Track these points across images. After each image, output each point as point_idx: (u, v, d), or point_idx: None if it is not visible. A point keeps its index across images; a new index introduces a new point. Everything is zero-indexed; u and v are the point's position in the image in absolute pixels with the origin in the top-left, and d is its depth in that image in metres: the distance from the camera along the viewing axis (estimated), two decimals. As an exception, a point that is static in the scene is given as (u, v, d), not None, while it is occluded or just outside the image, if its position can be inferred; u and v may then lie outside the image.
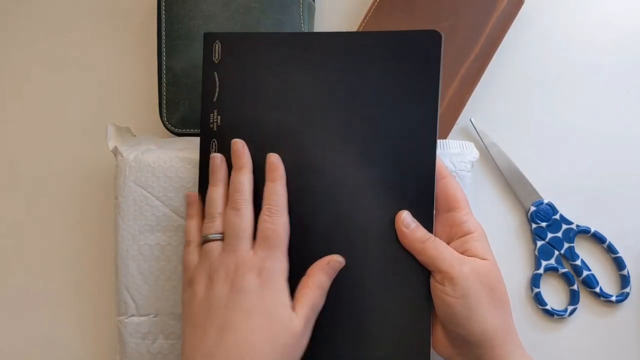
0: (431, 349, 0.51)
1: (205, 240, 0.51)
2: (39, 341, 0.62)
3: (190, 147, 0.59)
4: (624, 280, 0.62)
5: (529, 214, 0.63)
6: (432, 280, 0.50)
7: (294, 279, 0.50)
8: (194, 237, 0.53)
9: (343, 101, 0.52)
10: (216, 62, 0.55)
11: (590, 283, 0.62)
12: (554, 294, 0.63)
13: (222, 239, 0.51)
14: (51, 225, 0.64)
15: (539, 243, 0.62)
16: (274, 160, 0.52)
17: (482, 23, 0.63)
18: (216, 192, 0.53)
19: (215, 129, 0.55)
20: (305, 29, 0.63)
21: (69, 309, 0.63)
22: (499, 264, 0.62)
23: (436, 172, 0.51)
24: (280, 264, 0.50)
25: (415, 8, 0.63)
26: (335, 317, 0.51)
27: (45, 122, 0.66)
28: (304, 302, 0.49)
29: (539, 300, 0.62)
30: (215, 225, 0.52)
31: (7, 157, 0.65)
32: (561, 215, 0.63)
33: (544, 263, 0.62)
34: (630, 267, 0.62)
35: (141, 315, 0.56)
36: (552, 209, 0.63)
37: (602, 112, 0.66)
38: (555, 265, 0.62)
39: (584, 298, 0.62)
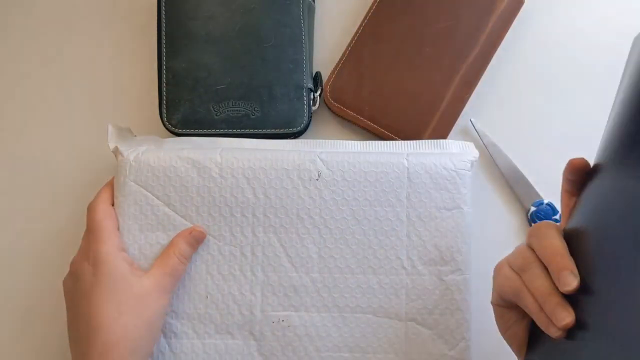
0: None
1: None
2: (39, 341, 0.62)
3: (190, 147, 0.60)
4: (624, 280, 0.62)
5: (529, 214, 0.63)
6: None
7: None
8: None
9: None
10: None
11: (590, 282, 0.61)
12: (554, 293, 0.63)
13: None
14: (51, 224, 0.64)
15: (539, 243, 0.62)
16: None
17: (482, 23, 0.63)
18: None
19: None
20: (305, 30, 0.63)
21: (69, 309, 0.63)
22: (498, 263, 0.62)
23: None
24: (109, 245, 0.54)
25: (414, 9, 0.63)
26: None
27: (45, 122, 0.66)
28: (157, 267, 0.55)
29: (539, 299, 0.62)
30: None
31: (7, 157, 0.65)
32: (561, 216, 0.62)
33: (543, 263, 0.62)
34: (630, 267, 0.62)
35: (141, 315, 0.57)
36: (552, 209, 0.63)
37: (602, 112, 0.66)
38: (555, 264, 0.62)
39: (584, 298, 0.62)
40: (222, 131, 0.61)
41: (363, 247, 0.57)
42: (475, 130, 0.64)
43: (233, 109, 0.61)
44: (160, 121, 0.62)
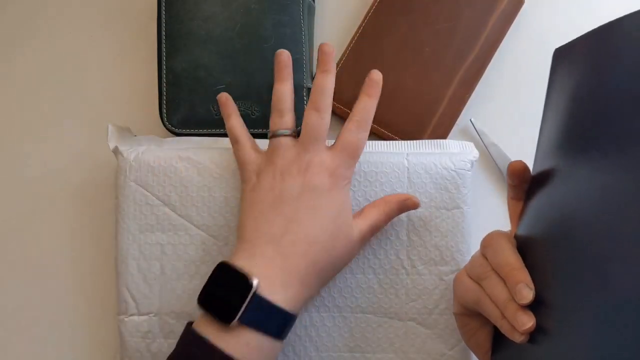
0: None
1: (274, 135, 0.54)
2: (39, 340, 0.62)
3: (190, 146, 0.60)
4: (624, 280, 0.62)
5: (528, 213, 0.63)
6: None
7: None
8: (242, 133, 0.56)
9: None
10: None
11: (590, 282, 0.62)
12: (553, 293, 0.63)
13: (291, 135, 0.55)
14: (51, 224, 0.64)
15: (539, 242, 0.62)
16: (376, 78, 0.56)
17: (482, 23, 0.63)
18: (285, 88, 0.56)
19: None
20: (305, 30, 0.63)
21: (69, 308, 0.63)
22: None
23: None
24: (350, 175, 0.55)
25: (414, 9, 0.63)
26: None
27: (46, 122, 0.66)
28: (366, 219, 0.54)
29: (538, 299, 0.62)
30: (285, 121, 0.55)
31: (7, 157, 0.65)
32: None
33: (543, 262, 0.62)
34: (630, 267, 0.62)
35: (141, 315, 0.57)
36: (552, 208, 0.63)
37: (601, 111, 0.66)
38: (555, 264, 0.62)
39: (584, 297, 0.62)
40: (221, 131, 0.61)
41: (363, 247, 0.57)
42: (475, 130, 0.64)
43: (233, 109, 0.61)
44: (160, 121, 0.62)
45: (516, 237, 0.47)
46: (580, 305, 0.37)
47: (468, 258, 0.57)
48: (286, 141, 0.54)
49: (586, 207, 0.38)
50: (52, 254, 0.63)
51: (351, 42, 0.64)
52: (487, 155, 0.64)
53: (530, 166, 0.64)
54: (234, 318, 0.46)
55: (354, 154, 0.54)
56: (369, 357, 0.57)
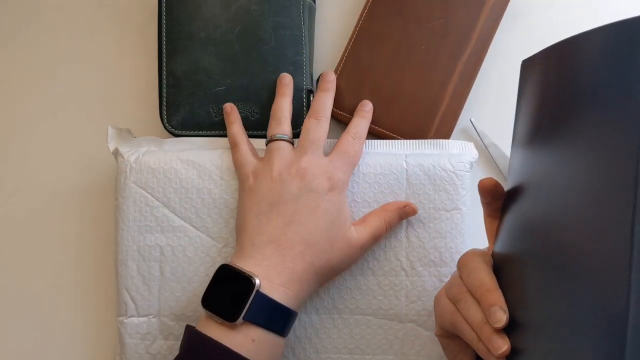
0: None
1: (272, 139, 0.57)
2: (39, 341, 0.62)
3: (190, 148, 0.60)
4: (624, 281, 0.62)
5: (528, 214, 0.63)
6: None
7: None
8: (242, 139, 0.58)
9: None
10: None
11: (590, 283, 0.61)
12: (554, 294, 0.62)
13: (288, 141, 0.57)
14: (51, 226, 0.64)
15: (539, 243, 0.62)
16: (367, 107, 0.61)
17: (474, 16, 0.63)
18: (285, 101, 0.59)
19: None
20: (305, 31, 0.63)
21: (68, 310, 0.63)
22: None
23: None
24: (348, 180, 0.56)
25: (407, 8, 0.63)
26: None
27: (46, 124, 0.66)
28: (367, 226, 0.55)
29: (538, 300, 0.61)
30: (283, 128, 0.57)
31: (7, 158, 0.65)
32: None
33: (543, 263, 0.62)
34: (630, 267, 0.62)
35: (141, 316, 0.57)
36: (552, 209, 0.62)
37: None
38: (555, 265, 0.62)
39: (584, 298, 0.62)
40: (221, 133, 0.61)
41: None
42: (475, 130, 0.64)
43: (233, 110, 0.61)
44: (160, 122, 0.62)
45: (493, 256, 0.47)
46: (552, 322, 0.37)
47: (467, 259, 0.57)
48: (284, 145, 0.56)
49: (552, 219, 0.38)
50: (52, 255, 0.64)
51: (347, 48, 0.64)
52: (487, 156, 0.64)
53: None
54: (239, 316, 0.47)
55: (351, 161, 0.56)
56: (368, 359, 0.57)
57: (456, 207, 0.57)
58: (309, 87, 0.62)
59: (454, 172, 0.58)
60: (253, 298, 0.48)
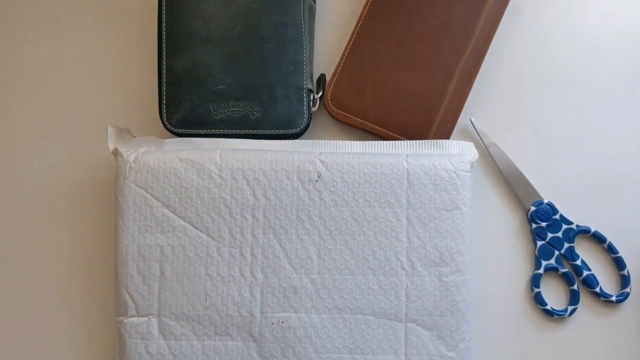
0: None
1: None
2: (39, 341, 0.62)
3: (190, 148, 0.60)
4: (624, 280, 0.62)
5: (529, 214, 0.63)
6: None
7: None
8: None
9: None
10: None
11: (590, 283, 0.62)
12: (554, 294, 0.63)
13: None
14: (51, 225, 0.64)
15: (539, 243, 0.62)
16: None
17: (475, 13, 0.63)
18: None
19: None
20: (305, 30, 0.63)
21: (68, 309, 0.63)
22: (499, 264, 0.62)
23: None
24: None
25: (407, 7, 0.63)
26: None
27: (45, 123, 0.66)
28: None
29: (539, 300, 0.62)
30: None
31: (7, 158, 0.65)
32: (561, 215, 0.63)
33: (544, 263, 0.62)
34: (630, 267, 0.62)
35: (140, 316, 0.57)
36: (552, 209, 0.63)
37: (602, 111, 0.66)
38: (555, 265, 0.62)
39: (584, 298, 0.62)
40: (221, 131, 0.61)
41: (363, 248, 0.57)
42: (475, 130, 0.64)
43: (233, 109, 0.61)
44: (160, 121, 0.62)
45: None
46: None
47: (467, 259, 0.57)
48: None
49: None
50: (51, 255, 0.63)
51: (347, 46, 0.64)
52: (487, 155, 0.64)
53: (532, 169, 0.64)
54: None
55: None
56: (369, 358, 0.57)
57: (457, 207, 0.57)
58: (309, 86, 0.62)
59: (454, 172, 0.57)
60: None
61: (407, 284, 0.57)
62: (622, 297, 0.61)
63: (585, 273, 0.62)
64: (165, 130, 0.61)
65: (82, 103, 0.66)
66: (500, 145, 0.64)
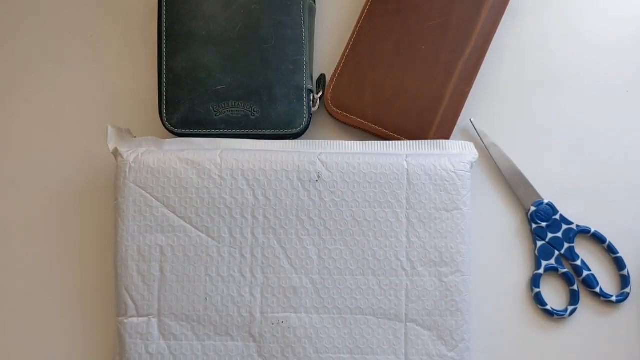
0: None
1: None
2: (39, 341, 0.62)
3: (190, 148, 0.59)
4: (624, 280, 0.62)
5: (529, 214, 0.63)
6: None
7: None
8: None
9: None
10: None
11: (590, 283, 0.62)
12: (554, 294, 0.63)
13: None
14: (51, 225, 0.64)
15: (539, 243, 0.62)
16: None
17: (475, 14, 0.63)
18: None
19: None
20: (305, 30, 0.63)
21: (68, 309, 0.63)
22: (499, 264, 0.62)
23: None
24: None
25: (407, 7, 0.63)
26: None
27: (45, 123, 0.66)
28: None
29: (539, 300, 0.62)
30: None
31: (7, 158, 0.65)
32: (561, 215, 0.63)
33: (544, 263, 0.62)
34: (630, 267, 0.62)
35: (140, 316, 0.57)
36: (552, 209, 0.63)
37: (601, 111, 0.66)
38: (555, 265, 0.62)
39: (584, 298, 0.62)
40: (221, 131, 0.61)
41: (363, 249, 0.57)
42: (475, 130, 0.64)
43: (233, 109, 0.61)
44: (159, 121, 0.62)
45: None
46: None
47: (467, 259, 0.57)
48: None
49: None
50: (51, 255, 0.63)
51: (347, 47, 0.64)
52: (487, 156, 0.64)
53: (532, 169, 0.64)
54: None
55: None
56: (369, 358, 0.57)
57: (457, 207, 0.57)
58: (309, 86, 0.62)
59: (454, 172, 0.57)
60: None
61: (407, 284, 0.57)
62: (622, 297, 0.61)
63: (585, 273, 0.62)
64: (165, 130, 0.61)
65: (82, 103, 0.66)
66: (500, 145, 0.64)
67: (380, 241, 0.57)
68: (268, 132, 0.61)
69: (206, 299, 0.57)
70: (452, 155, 0.59)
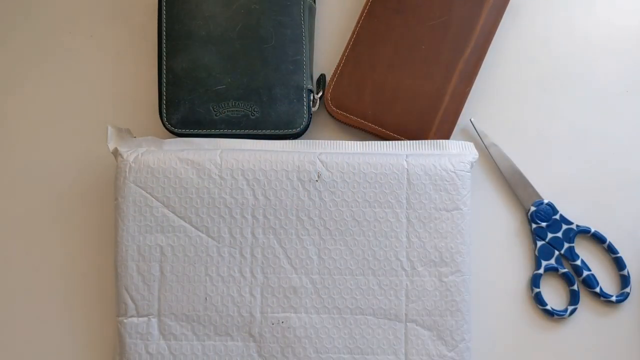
0: None
1: None
2: (39, 341, 0.62)
3: (190, 148, 0.59)
4: (624, 280, 0.62)
5: (529, 214, 0.63)
6: None
7: None
8: None
9: None
10: None
11: (590, 283, 0.62)
12: (554, 294, 0.63)
13: None
14: (51, 225, 0.64)
15: (539, 243, 0.62)
16: None
17: (475, 13, 0.63)
18: None
19: None
20: (305, 30, 0.63)
21: (68, 309, 0.63)
22: (499, 264, 0.62)
23: None
24: None
25: (407, 7, 0.63)
26: None
27: (45, 123, 0.66)
28: None
29: (539, 300, 0.62)
30: None
31: (7, 158, 0.65)
32: (561, 215, 0.63)
33: (544, 263, 0.62)
34: (630, 267, 0.62)
35: (140, 316, 0.57)
36: (552, 209, 0.63)
37: (601, 111, 0.66)
38: (555, 265, 0.62)
39: (584, 298, 0.62)
40: (221, 131, 0.61)
41: (363, 249, 0.57)
42: (475, 130, 0.64)
43: (233, 109, 0.61)
44: (159, 121, 0.62)
45: None
46: None
47: (467, 259, 0.57)
48: None
49: None
50: (51, 255, 0.63)
51: (347, 47, 0.64)
52: (487, 156, 0.64)
53: (532, 169, 0.64)
54: None
55: None
56: (368, 358, 0.57)
57: (457, 207, 0.57)
58: (309, 86, 0.62)
59: (454, 172, 0.57)
60: None
61: (407, 284, 0.57)
62: (622, 297, 0.61)
63: (585, 273, 0.62)
64: (165, 130, 0.61)
65: (82, 103, 0.66)
66: (500, 145, 0.64)
67: (380, 241, 0.57)
68: (268, 132, 0.61)
69: (206, 299, 0.57)
70: (452, 155, 0.59)
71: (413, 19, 0.63)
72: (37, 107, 0.66)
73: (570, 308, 0.61)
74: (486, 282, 0.62)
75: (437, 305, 0.57)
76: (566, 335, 0.62)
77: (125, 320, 0.57)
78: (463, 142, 0.60)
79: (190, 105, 0.61)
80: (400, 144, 0.60)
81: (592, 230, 0.62)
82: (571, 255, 0.62)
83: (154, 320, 0.57)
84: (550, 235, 0.62)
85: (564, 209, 0.63)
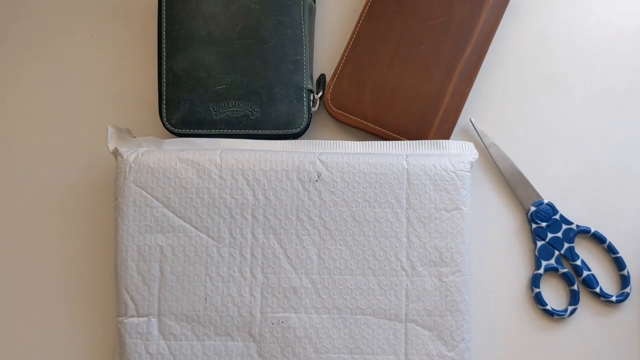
0: None
1: None
2: (39, 341, 0.62)
3: (190, 148, 0.60)
4: (624, 280, 0.62)
5: (529, 214, 0.63)
6: None
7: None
8: None
9: None
10: None
11: (590, 283, 0.62)
12: (554, 294, 0.63)
13: None
14: (51, 226, 0.64)
15: (539, 243, 0.62)
16: None
17: (475, 14, 0.63)
18: None
19: None
20: (305, 30, 0.63)
21: (68, 309, 0.63)
22: (499, 264, 0.62)
23: None
24: None
25: (407, 7, 0.63)
26: None
27: (45, 123, 0.66)
28: None
29: (539, 300, 0.62)
30: None
31: (7, 158, 0.65)
32: (561, 216, 0.63)
33: (544, 263, 0.62)
34: (630, 267, 0.62)
35: (140, 316, 0.57)
36: (552, 209, 0.63)
37: (601, 111, 0.66)
38: (555, 265, 0.62)
39: (584, 298, 0.62)
40: (221, 131, 0.61)
41: (363, 249, 0.57)
42: (475, 130, 0.64)
43: (233, 109, 0.61)
44: (159, 121, 0.62)
45: None
46: None
47: (467, 259, 0.57)
48: None
49: None
50: (51, 255, 0.63)
51: (347, 47, 0.64)
52: (487, 156, 0.64)
53: (532, 169, 0.64)
54: None
55: None
56: (368, 358, 0.57)
57: (457, 207, 0.57)
58: (309, 86, 0.62)
59: (454, 172, 0.58)
60: None
61: (407, 284, 0.57)
62: (622, 297, 0.61)
63: (585, 273, 0.62)
64: (165, 130, 0.62)
65: (82, 103, 0.66)
66: (500, 146, 0.64)
67: (380, 241, 0.57)
68: (268, 132, 0.61)
69: (206, 299, 0.57)
70: (452, 155, 0.59)
71: (413, 19, 0.63)
72: (37, 107, 0.66)
73: (570, 308, 0.61)
74: (486, 282, 0.62)
75: (437, 305, 0.57)
76: (566, 335, 0.62)
77: (125, 320, 0.57)
78: (463, 142, 0.60)
79: (190, 105, 0.61)
80: (400, 144, 0.60)
81: (592, 230, 0.62)
82: (571, 255, 0.62)
83: (154, 320, 0.57)
84: (550, 235, 0.62)
85: (564, 209, 0.63)
